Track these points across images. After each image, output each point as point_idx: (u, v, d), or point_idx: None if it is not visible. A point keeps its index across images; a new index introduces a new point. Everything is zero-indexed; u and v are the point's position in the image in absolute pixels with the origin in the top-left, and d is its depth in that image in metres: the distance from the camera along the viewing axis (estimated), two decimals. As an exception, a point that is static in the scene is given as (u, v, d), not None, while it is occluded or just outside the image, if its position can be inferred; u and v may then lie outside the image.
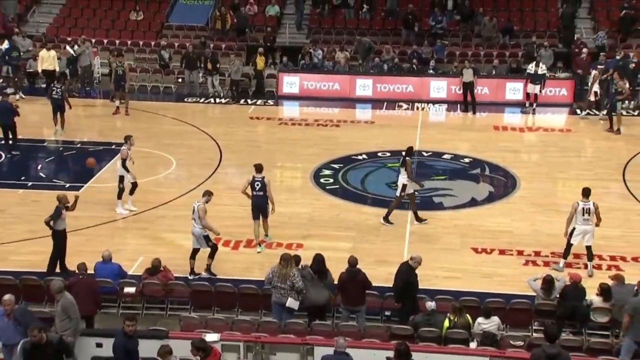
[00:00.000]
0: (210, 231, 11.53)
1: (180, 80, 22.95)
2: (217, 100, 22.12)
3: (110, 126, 19.23)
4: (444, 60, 23.77)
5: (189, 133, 18.82)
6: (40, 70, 21.44)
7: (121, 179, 13.61)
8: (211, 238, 11.57)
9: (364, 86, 22.45)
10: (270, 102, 22.43)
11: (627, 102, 20.04)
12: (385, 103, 22.15)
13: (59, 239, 11.31)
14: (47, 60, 20.89)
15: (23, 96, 21.26)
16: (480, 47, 24.20)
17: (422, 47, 23.85)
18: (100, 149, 17.20)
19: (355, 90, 22.54)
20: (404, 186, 13.21)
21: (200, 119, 20.24)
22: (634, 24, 23.71)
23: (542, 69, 20.63)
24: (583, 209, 11.40)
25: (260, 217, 12.41)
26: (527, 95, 20.87)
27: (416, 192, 13.69)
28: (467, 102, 20.67)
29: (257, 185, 12.37)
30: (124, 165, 13.54)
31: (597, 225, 11.49)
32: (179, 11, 26.09)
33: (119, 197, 13.68)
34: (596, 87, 20.21)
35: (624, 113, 19.44)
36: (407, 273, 10.04)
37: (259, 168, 12.46)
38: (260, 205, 12.38)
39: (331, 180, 15.52)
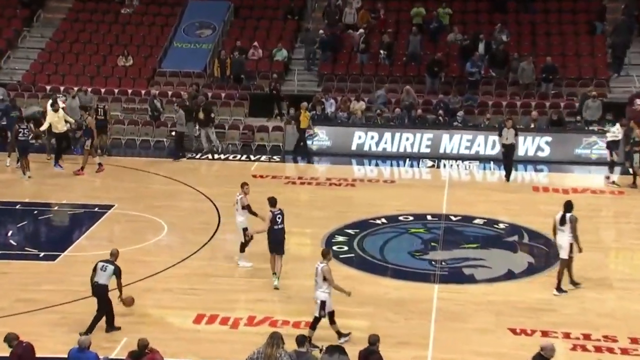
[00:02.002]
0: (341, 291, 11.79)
1: (173, 133, 23.39)
2: (215, 156, 22.51)
3: (91, 186, 19.59)
4: (475, 112, 24.15)
5: (182, 193, 19.06)
6: (47, 131, 21.18)
7: (244, 229, 14.21)
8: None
9: (382, 140, 22.81)
10: (276, 158, 22.75)
11: None
12: (408, 159, 22.41)
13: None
14: (60, 122, 20.75)
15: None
16: (517, 97, 24.57)
17: (450, 96, 24.29)
18: (81, 212, 17.47)
19: (372, 145, 22.93)
20: (571, 246, 13.42)
21: (195, 178, 20.51)
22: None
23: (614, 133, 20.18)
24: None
25: (276, 253, 13.51)
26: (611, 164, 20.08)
27: (443, 263, 13.69)
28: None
29: (279, 218, 13.40)
30: (250, 211, 14.18)
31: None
32: (173, 56, 26.63)
33: (242, 249, 14.36)
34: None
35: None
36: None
37: (273, 202, 13.51)
38: (283, 239, 13.54)
39: (345, 248, 15.56)
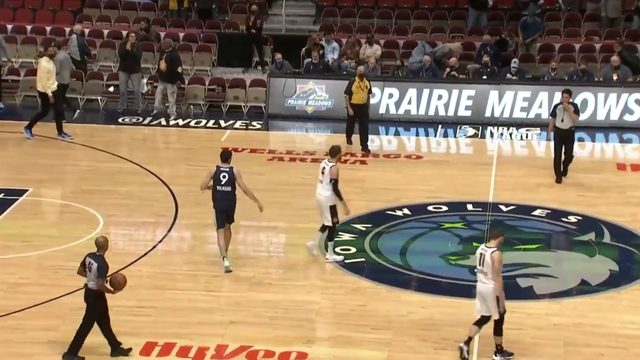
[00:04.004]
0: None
1: (111, 89, 23.34)
2: (171, 121, 22.51)
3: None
4: (536, 59, 24.13)
5: (124, 174, 19.06)
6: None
7: (333, 211, 14.78)
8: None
9: (405, 100, 22.74)
10: (256, 124, 22.74)
11: None
12: (439, 126, 22.38)
13: None
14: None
15: None
16: (595, 37, 24.53)
17: (501, 37, 24.29)
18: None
19: (391, 106, 22.91)
20: None
21: (143, 152, 20.52)
22: None
23: None
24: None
25: (225, 224, 14.37)
26: None
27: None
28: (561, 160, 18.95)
29: (223, 177, 14.32)
30: (335, 189, 14.79)
31: None
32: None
33: (331, 237, 14.96)
34: None
35: None
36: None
37: (225, 156, 14.57)
38: (227, 207, 14.44)
39: (353, 250, 15.59)
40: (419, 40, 24.51)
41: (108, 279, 12.10)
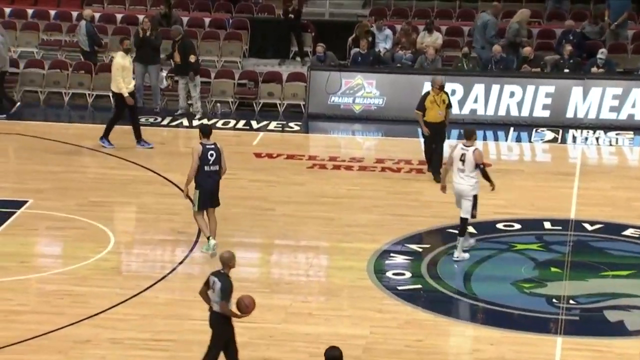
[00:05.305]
0: None
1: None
2: (195, 121, 22.65)
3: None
4: (628, 49, 23.94)
5: (139, 183, 19.18)
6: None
7: (475, 201, 15.67)
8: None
9: (470, 97, 22.72)
10: (294, 125, 22.77)
11: None
12: (511, 129, 22.28)
13: None
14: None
15: None
16: None
17: (585, 22, 24.18)
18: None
19: (453, 105, 22.70)
20: None
21: (161, 157, 20.64)
22: None
23: None
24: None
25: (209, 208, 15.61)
26: None
27: (572, 301, 13.63)
28: None
29: (211, 156, 15.40)
30: (485, 174, 15.75)
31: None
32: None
33: (462, 232, 15.83)
34: None
35: None
36: None
37: (208, 130, 15.68)
38: (215, 187, 15.60)
39: (407, 275, 15.60)
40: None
41: (237, 302, 12.00)
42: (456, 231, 16.78)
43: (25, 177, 19.35)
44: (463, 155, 15.58)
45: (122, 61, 20.62)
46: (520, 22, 23.84)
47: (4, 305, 14.26)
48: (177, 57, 22.55)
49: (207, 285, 12.01)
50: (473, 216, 15.76)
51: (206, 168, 15.38)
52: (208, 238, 15.68)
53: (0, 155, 20.80)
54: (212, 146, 15.47)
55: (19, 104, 23.28)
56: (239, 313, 11.93)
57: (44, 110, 24.12)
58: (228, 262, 12.06)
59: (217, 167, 15.48)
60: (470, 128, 16.30)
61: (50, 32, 25.67)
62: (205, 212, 15.72)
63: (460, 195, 15.76)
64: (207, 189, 15.50)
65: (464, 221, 15.76)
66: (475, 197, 15.67)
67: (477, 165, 15.56)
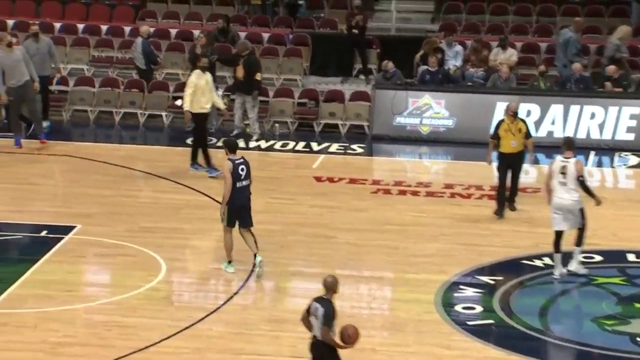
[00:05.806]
0: None
1: (178, 103, 23.60)
2: (252, 142, 22.89)
3: (34, 192, 20.06)
4: None
5: (193, 207, 19.33)
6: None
7: (583, 213, 16.03)
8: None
9: (547, 119, 22.65)
10: (357, 147, 22.78)
11: None
12: (592, 153, 22.13)
13: None
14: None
15: None
16: None
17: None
18: (13, 238, 17.84)
19: (529, 126, 22.57)
20: None
21: (216, 181, 20.60)
22: None
23: None
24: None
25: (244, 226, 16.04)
26: None
27: None
28: None
29: (242, 170, 15.74)
30: (585, 186, 15.99)
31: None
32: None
33: (580, 242, 16.21)
34: None
35: None
36: None
37: (235, 145, 16.10)
38: (247, 203, 16.01)
39: (479, 309, 15.53)
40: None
41: (341, 332, 11.90)
42: (530, 262, 16.73)
43: (73, 201, 19.54)
44: (564, 167, 15.86)
45: (195, 80, 20.51)
46: (621, 38, 23.68)
47: (50, 337, 14.35)
48: (240, 72, 22.64)
49: (308, 311, 11.99)
50: (583, 225, 16.05)
51: (238, 184, 15.77)
52: (229, 262, 16.19)
53: (48, 178, 21.05)
54: (241, 160, 15.90)
55: (47, 123, 23.19)
56: (341, 343, 11.86)
57: (94, 130, 24.41)
58: (332, 287, 12.02)
59: (247, 182, 15.91)
60: (570, 137, 16.64)
61: (101, 48, 25.93)
62: (240, 233, 16.15)
63: (567, 211, 15.96)
64: (237, 204, 15.87)
65: (578, 230, 16.08)
66: (582, 211, 15.95)
67: (578, 177, 15.68)
